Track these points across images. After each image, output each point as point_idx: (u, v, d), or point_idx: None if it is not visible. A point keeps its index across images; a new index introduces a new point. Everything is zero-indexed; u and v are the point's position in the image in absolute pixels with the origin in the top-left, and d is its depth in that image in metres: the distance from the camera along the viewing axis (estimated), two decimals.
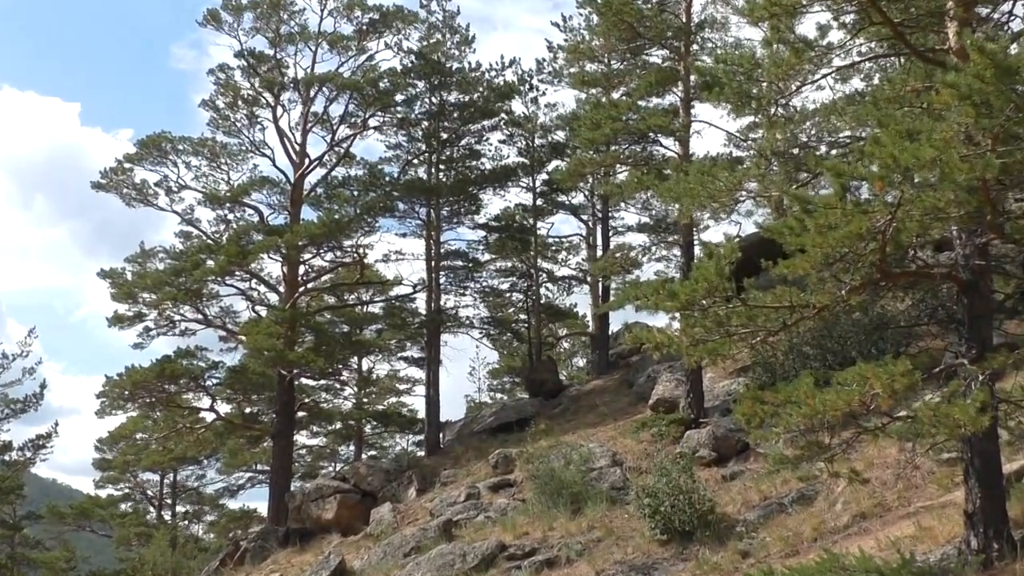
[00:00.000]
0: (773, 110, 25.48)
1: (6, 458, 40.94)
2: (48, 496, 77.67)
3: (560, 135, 40.77)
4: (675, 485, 18.95)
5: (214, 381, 36.52)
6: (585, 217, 43.22)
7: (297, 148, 37.80)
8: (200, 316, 36.99)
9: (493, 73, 39.67)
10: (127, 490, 52.84)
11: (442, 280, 39.15)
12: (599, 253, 39.88)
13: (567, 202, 42.44)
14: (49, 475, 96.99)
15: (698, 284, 11.55)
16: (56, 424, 45.30)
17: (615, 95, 34.68)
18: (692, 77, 26.90)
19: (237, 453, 46.21)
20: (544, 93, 41.55)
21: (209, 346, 38.33)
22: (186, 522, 52.79)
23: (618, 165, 31.52)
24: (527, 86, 40.75)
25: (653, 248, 38.84)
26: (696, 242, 28.19)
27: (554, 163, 40.24)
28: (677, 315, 12.80)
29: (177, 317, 36.65)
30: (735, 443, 23.46)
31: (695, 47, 29.06)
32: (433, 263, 38.10)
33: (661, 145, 28.72)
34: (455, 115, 38.98)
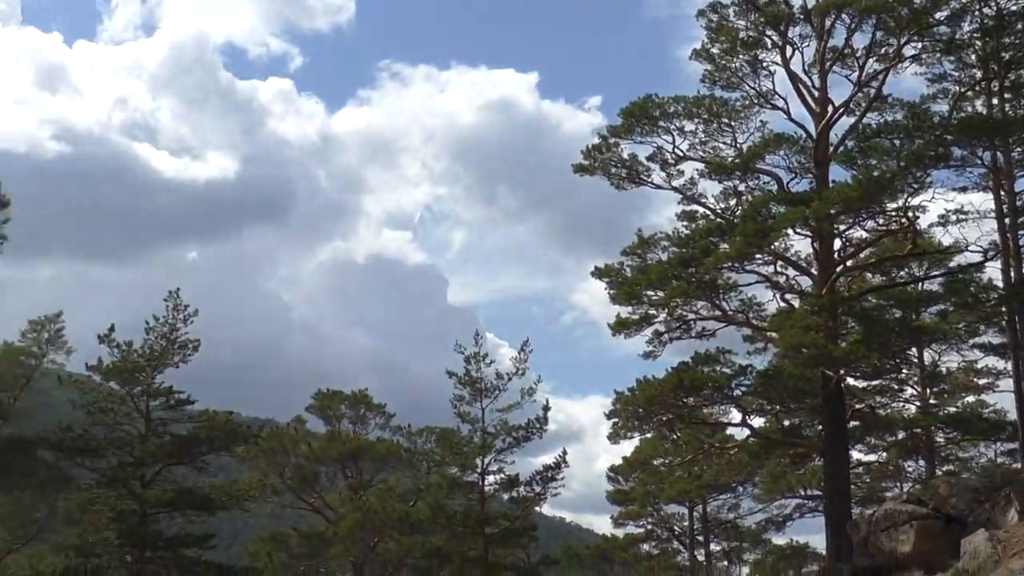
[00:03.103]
0: None
1: (514, 494, 45.27)
2: (557, 538, 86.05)
3: None
4: None
5: (742, 390, 38.68)
6: None
7: (816, 94, 39.41)
8: (718, 312, 39.50)
9: None
10: (649, 526, 56.83)
11: (1022, 241, 38.82)
12: None
13: None
14: (552, 514, 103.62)
15: None
16: (564, 452, 46.24)
17: None
18: None
19: (779, 476, 47.69)
20: None
21: (732, 348, 39.88)
22: (725, 563, 55.47)
23: None
24: None
25: None
26: None
27: None
28: None
29: (691, 316, 39.22)
30: None
31: None
32: (1007, 220, 37.98)
33: None
34: (1019, 27, 38.23)
